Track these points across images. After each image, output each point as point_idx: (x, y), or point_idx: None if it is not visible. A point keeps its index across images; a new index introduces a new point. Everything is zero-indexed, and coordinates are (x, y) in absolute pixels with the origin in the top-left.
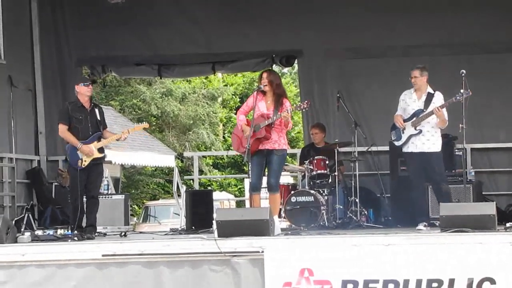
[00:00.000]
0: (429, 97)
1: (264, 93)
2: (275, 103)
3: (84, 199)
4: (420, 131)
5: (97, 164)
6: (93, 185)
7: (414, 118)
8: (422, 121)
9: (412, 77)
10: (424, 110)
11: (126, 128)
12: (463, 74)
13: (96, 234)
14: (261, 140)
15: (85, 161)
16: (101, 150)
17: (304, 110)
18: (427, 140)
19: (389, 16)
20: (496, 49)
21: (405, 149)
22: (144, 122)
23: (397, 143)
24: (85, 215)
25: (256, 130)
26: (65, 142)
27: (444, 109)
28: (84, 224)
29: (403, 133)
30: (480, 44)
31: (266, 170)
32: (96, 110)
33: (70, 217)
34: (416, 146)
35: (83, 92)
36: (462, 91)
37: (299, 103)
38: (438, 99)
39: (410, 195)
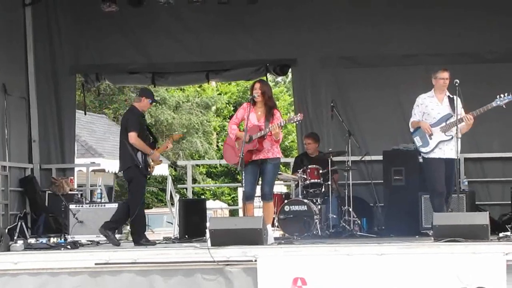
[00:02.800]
0: (451, 101)
1: (254, 103)
2: (266, 115)
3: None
4: (452, 137)
5: None
6: None
7: (444, 124)
8: (453, 126)
9: (445, 78)
10: (453, 114)
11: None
12: (456, 84)
13: (90, 242)
14: (254, 152)
15: (152, 167)
16: None
17: (297, 123)
18: (454, 146)
19: (384, 25)
20: (489, 59)
21: (430, 155)
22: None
23: (423, 150)
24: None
25: (249, 142)
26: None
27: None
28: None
29: (430, 139)
30: (473, 53)
31: (260, 179)
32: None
33: (136, 229)
34: (444, 152)
35: (147, 106)
36: (503, 95)
37: (293, 115)
38: (459, 103)
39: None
